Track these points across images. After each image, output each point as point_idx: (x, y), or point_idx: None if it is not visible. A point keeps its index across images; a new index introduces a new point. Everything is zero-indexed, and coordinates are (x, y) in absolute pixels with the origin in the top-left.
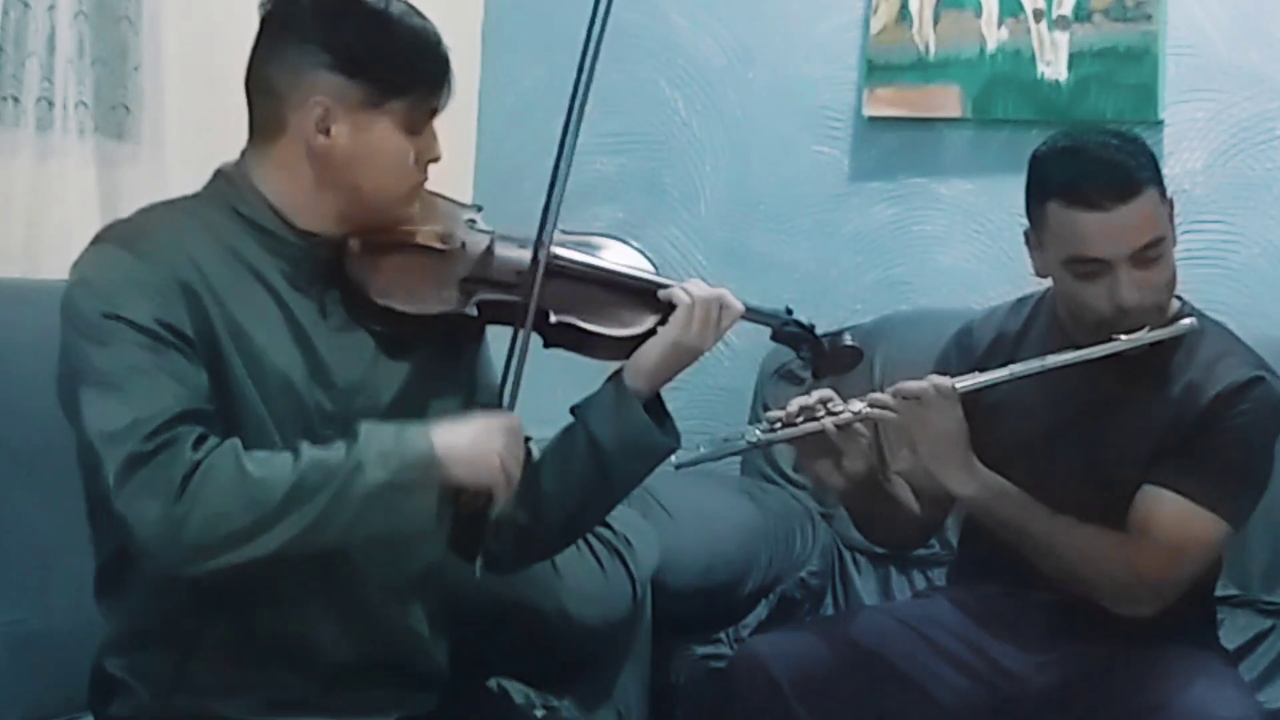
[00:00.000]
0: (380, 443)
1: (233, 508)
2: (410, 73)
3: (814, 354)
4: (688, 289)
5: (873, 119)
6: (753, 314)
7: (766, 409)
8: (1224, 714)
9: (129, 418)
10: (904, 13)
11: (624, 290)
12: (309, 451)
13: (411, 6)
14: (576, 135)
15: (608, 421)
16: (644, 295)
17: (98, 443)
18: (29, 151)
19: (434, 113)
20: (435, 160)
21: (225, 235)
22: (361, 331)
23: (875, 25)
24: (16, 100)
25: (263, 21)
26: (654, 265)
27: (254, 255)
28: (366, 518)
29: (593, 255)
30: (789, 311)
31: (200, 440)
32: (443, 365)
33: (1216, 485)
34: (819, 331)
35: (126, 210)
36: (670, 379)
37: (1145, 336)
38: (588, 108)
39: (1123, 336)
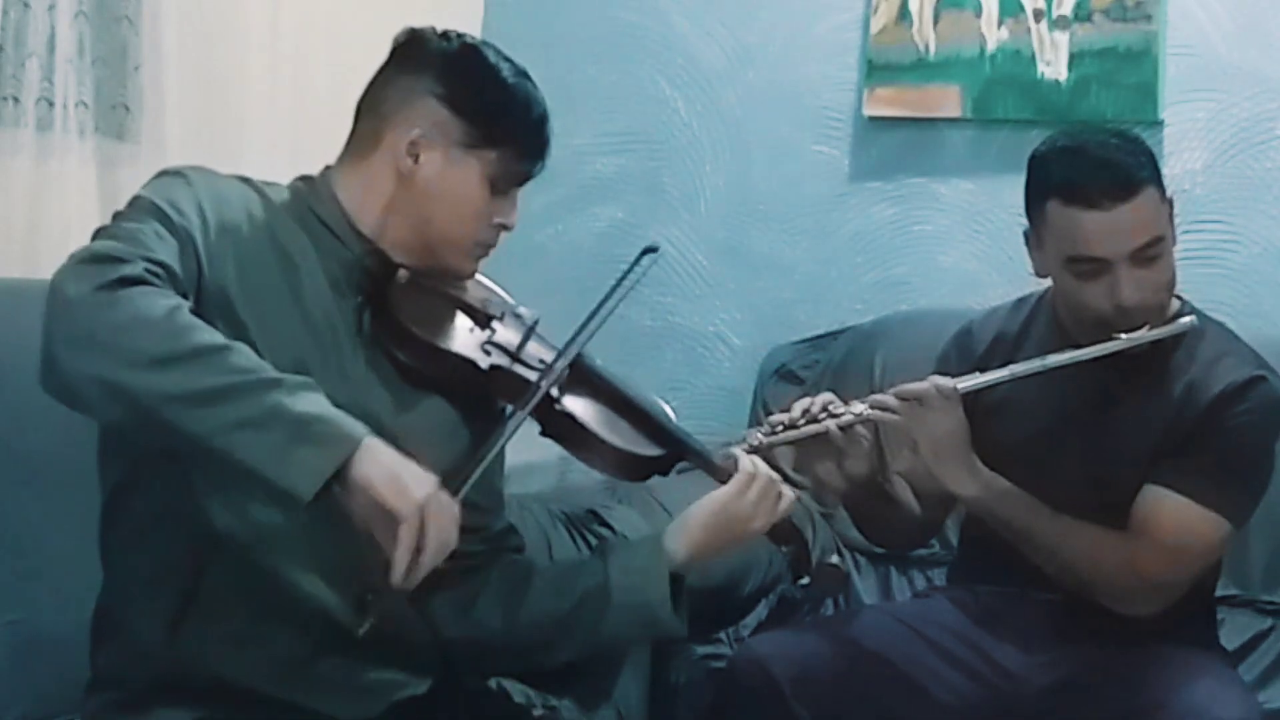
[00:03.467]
0: (316, 391)
1: (148, 324)
2: (510, 128)
3: (796, 561)
4: (755, 461)
5: (873, 119)
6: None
7: (766, 409)
8: (1224, 714)
9: (115, 240)
10: (904, 13)
11: (642, 420)
12: (249, 353)
13: (527, 74)
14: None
15: (629, 572)
16: (659, 432)
17: (71, 255)
18: (29, 151)
19: (523, 180)
20: (508, 228)
21: (286, 224)
22: (385, 359)
23: (875, 25)
24: (16, 100)
25: (391, 53)
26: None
27: (305, 249)
28: (256, 430)
29: (619, 381)
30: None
31: (158, 273)
32: (456, 416)
33: (1217, 485)
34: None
35: None
36: (713, 555)
37: (1145, 335)
38: (587, 108)
39: (1123, 335)
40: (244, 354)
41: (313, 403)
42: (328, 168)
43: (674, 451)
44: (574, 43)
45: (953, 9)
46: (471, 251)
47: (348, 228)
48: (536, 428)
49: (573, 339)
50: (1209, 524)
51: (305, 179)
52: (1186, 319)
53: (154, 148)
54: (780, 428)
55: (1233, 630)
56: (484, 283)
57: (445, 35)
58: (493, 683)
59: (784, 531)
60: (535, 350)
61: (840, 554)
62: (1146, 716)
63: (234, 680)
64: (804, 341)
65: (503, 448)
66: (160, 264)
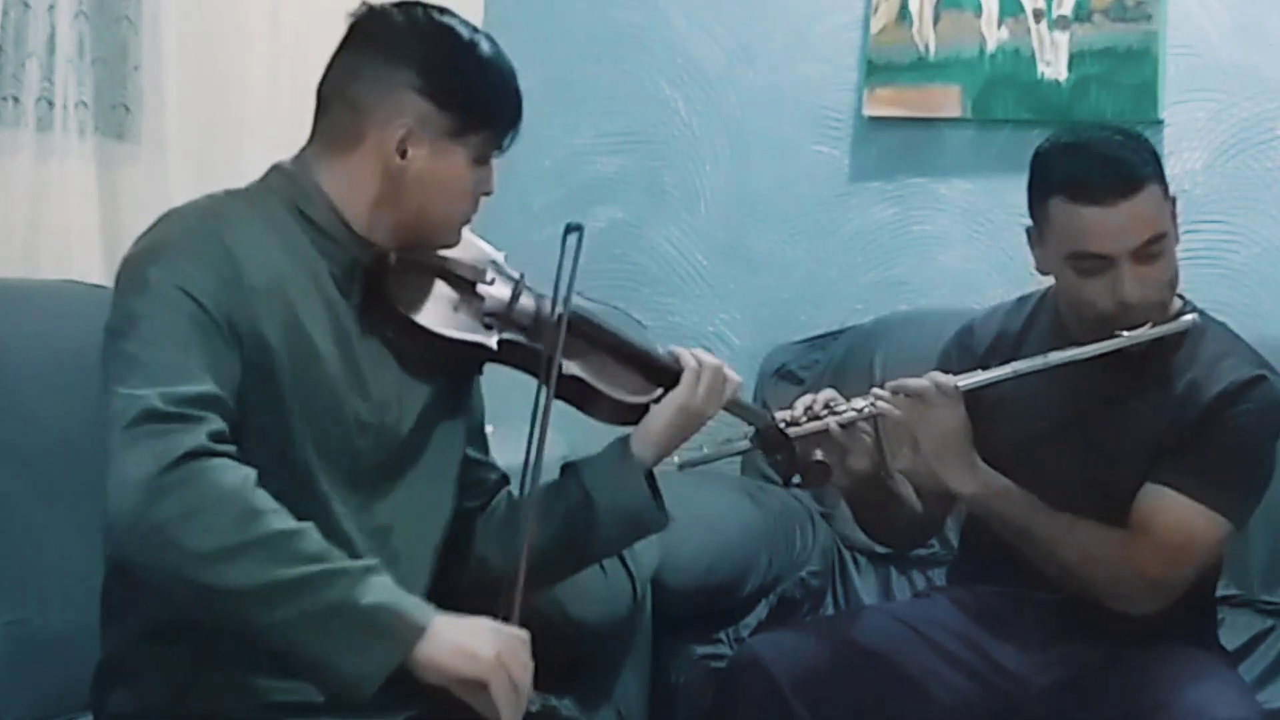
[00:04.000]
0: (383, 577)
1: (212, 515)
2: (494, 109)
3: (787, 462)
4: (696, 354)
5: (873, 119)
6: (741, 408)
7: (767, 407)
8: (1224, 714)
9: (160, 377)
10: (904, 13)
11: (633, 360)
12: (316, 531)
13: (494, 42)
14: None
15: (608, 484)
16: (651, 368)
17: (118, 396)
18: (29, 151)
19: (501, 150)
20: (488, 193)
21: (287, 233)
22: (386, 347)
23: (875, 25)
24: (16, 100)
25: (350, 31)
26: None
27: (311, 256)
28: (322, 626)
29: (609, 322)
30: (771, 415)
31: (219, 437)
32: (451, 389)
33: (1218, 484)
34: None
35: (127, 210)
36: (676, 447)
37: (1147, 333)
38: (587, 108)
39: (1125, 333)
40: (310, 538)
41: (378, 591)
42: (304, 155)
43: (663, 385)
44: (574, 43)
45: (953, 9)
46: (461, 225)
47: (342, 228)
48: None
49: (565, 295)
50: (1209, 523)
51: (283, 172)
52: (1188, 316)
53: (154, 148)
54: (782, 424)
55: (1233, 630)
56: (465, 238)
57: (408, 11)
58: None
59: (772, 441)
60: (524, 308)
61: (840, 551)
62: (1147, 716)
63: None
64: (804, 341)
65: (545, 428)
66: (212, 400)
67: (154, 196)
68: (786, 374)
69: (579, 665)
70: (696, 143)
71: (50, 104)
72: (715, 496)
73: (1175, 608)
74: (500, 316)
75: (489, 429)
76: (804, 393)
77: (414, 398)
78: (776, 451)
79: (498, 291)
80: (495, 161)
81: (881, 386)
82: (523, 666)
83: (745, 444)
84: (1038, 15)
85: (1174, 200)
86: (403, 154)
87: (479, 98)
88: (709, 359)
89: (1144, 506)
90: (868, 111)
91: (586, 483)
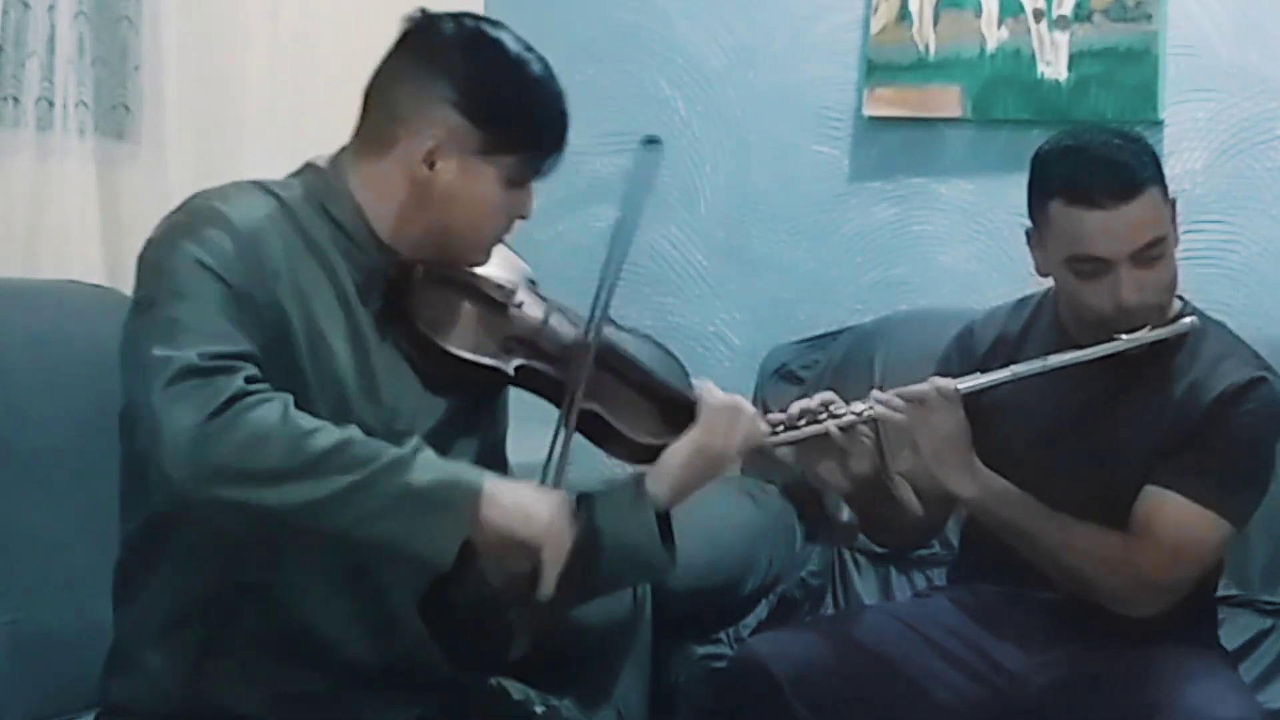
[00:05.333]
0: (431, 456)
1: (268, 442)
2: (531, 133)
3: (815, 519)
4: (714, 392)
5: (873, 119)
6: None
7: (766, 409)
8: (1224, 714)
9: (196, 333)
10: (904, 13)
11: (656, 397)
12: (360, 433)
13: (546, 65)
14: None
15: (617, 520)
16: (674, 406)
17: (154, 358)
18: (29, 151)
19: (539, 174)
20: (525, 217)
21: (311, 230)
22: (403, 359)
23: (875, 25)
24: (16, 100)
25: (402, 37)
26: (683, 367)
27: (334, 258)
28: (390, 515)
29: (635, 355)
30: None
31: (255, 380)
32: (469, 406)
33: (1219, 485)
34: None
35: (127, 210)
36: (692, 488)
37: (1147, 336)
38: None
39: (1124, 336)
40: (360, 443)
41: (430, 468)
42: (340, 155)
43: (683, 425)
44: (574, 43)
45: (953, 9)
46: (490, 246)
47: (367, 234)
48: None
49: (593, 320)
50: (1210, 524)
51: (316, 169)
52: (1188, 319)
53: (154, 148)
54: (781, 428)
55: (1233, 630)
56: (499, 252)
57: (460, 22)
58: (493, 683)
59: (801, 496)
60: (555, 331)
61: (840, 551)
62: (1147, 716)
63: (252, 716)
64: (804, 341)
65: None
66: (247, 355)
67: (154, 196)
68: (786, 374)
69: (579, 665)
70: (696, 143)
71: (50, 104)
72: (715, 496)
73: (1175, 608)
74: (524, 342)
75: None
76: (804, 393)
77: (429, 412)
78: (805, 506)
79: (527, 314)
80: (533, 186)
81: (881, 389)
82: (567, 538)
83: None
84: (1038, 15)
85: (1173, 202)
86: (430, 165)
87: (516, 119)
88: (726, 398)
89: (1145, 508)
90: (868, 111)
91: (597, 518)
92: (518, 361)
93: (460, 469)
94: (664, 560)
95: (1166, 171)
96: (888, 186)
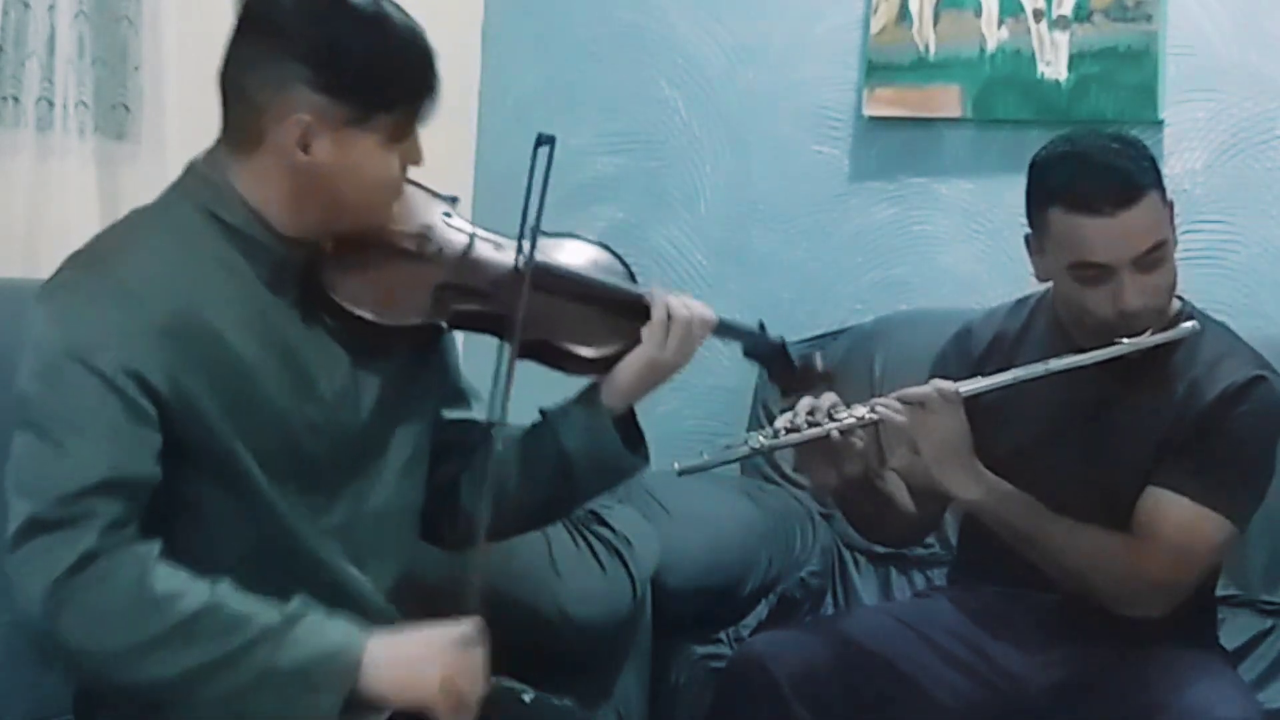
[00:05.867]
0: (305, 627)
1: (117, 618)
2: (397, 88)
3: (783, 373)
4: (666, 300)
5: (873, 119)
6: (725, 329)
7: (766, 409)
8: (1224, 714)
9: (45, 475)
10: (904, 13)
11: (602, 304)
12: (228, 594)
13: (400, 8)
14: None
15: (579, 436)
16: (621, 308)
17: (10, 488)
18: (29, 151)
19: (420, 121)
20: (417, 164)
21: (205, 243)
22: (334, 340)
23: (875, 25)
24: (16, 100)
25: (239, 21)
26: (628, 269)
27: (235, 264)
28: (255, 694)
29: (573, 264)
30: (762, 327)
31: (114, 527)
32: (414, 369)
33: (1220, 486)
34: (794, 348)
35: (126, 210)
36: (645, 394)
37: (1148, 340)
38: (587, 108)
39: (1125, 340)
40: (224, 609)
41: (302, 645)
42: (216, 153)
43: (635, 329)
44: (574, 43)
45: (953, 9)
46: (390, 203)
47: (263, 230)
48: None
49: (526, 255)
50: (1212, 525)
51: (197, 173)
52: (1189, 324)
53: (154, 148)
54: (784, 430)
55: (1233, 630)
56: (406, 197)
57: None
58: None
59: (756, 353)
60: (482, 262)
61: (840, 551)
62: (1147, 716)
63: None
64: (804, 341)
65: (509, 380)
66: (107, 487)
67: (154, 196)
68: None
69: (579, 665)
70: (696, 143)
71: (50, 104)
72: (715, 497)
73: (1175, 608)
74: (453, 286)
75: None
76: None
77: (368, 387)
78: (770, 363)
79: (448, 255)
80: (418, 131)
81: (881, 389)
82: (472, 677)
83: (745, 450)
84: (1038, 15)
85: (1172, 205)
86: (305, 149)
87: (378, 79)
88: (681, 312)
89: (1146, 510)
90: (868, 111)
91: (560, 435)
92: (450, 309)
93: (341, 643)
94: (632, 462)
95: (1166, 172)
96: (888, 186)
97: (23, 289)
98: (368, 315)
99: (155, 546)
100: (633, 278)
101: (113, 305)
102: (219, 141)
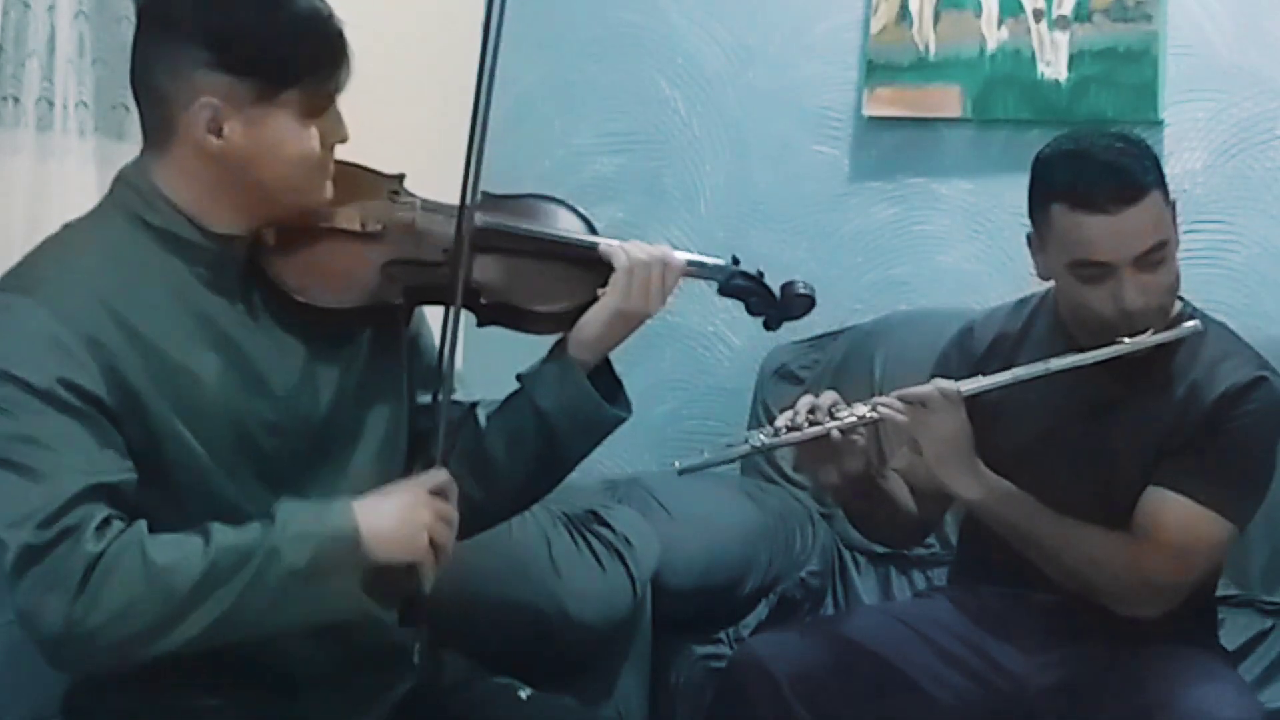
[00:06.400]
0: (299, 524)
1: (139, 602)
2: (301, 61)
3: (764, 304)
4: (626, 249)
5: (873, 119)
6: (696, 268)
7: (766, 409)
8: (1224, 714)
9: (25, 503)
10: (904, 13)
11: (559, 257)
12: (221, 534)
13: None
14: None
15: (553, 394)
16: (580, 260)
17: (22, 555)
18: (29, 151)
19: (334, 94)
20: (342, 141)
21: (137, 253)
22: (287, 331)
23: (875, 25)
24: (16, 100)
25: (139, 17)
26: (590, 224)
27: (171, 269)
28: (284, 604)
29: (524, 221)
30: (735, 261)
31: (104, 524)
32: (378, 354)
33: (1221, 486)
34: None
35: None
36: (616, 345)
37: (1149, 339)
38: (587, 108)
39: (1126, 339)
40: (225, 551)
41: (302, 539)
42: (141, 159)
43: (597, 280)
44: (574, 43)
45: (953, 9)
46: (317, 184)
47: (193, 230)
48: (473, 319)
49: (461, 217)
50: (1212, 525)
51: (125, 180)
52: (1190, 324)
53: None
54: (784, 429)
55: (1233, 630)
56: (349, 180)
57: None
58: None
59: (741, 289)
60: (431, 229)
61: (840, 551)
62: (1147, 716)
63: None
64: (804, 341)
65: (450, 347)
66: (85, 494)
67: None
68: (786, 374)
69: (579, 665)
70: (696, 143)
71: (50, 104)
72: (715, 497)
73: (1175, 608)
74: (402, 262)
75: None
76: (804, 393)
77: (328, 376)
78: (750, 296)
79: (394, 233)
80: (337, 105)
81: (881, 389)
82: (448, 526)
83: (745, 448)
84: (1038, 15)
85: (1174, 205)
86: (217, 134)
87: (278, 56)
88: (641, 253)
89: (1147, 510)
90: (868, 111)
91: (536, 398)
92: (402, 285)
93: (329, 518)
94: (612, 415)
95: (1166, 171)
96: (888, 186)
97: None
98: (317, 301)
99: (142, 524)
100: (591, 228)
101: (40, 321)
102: (143, 149)
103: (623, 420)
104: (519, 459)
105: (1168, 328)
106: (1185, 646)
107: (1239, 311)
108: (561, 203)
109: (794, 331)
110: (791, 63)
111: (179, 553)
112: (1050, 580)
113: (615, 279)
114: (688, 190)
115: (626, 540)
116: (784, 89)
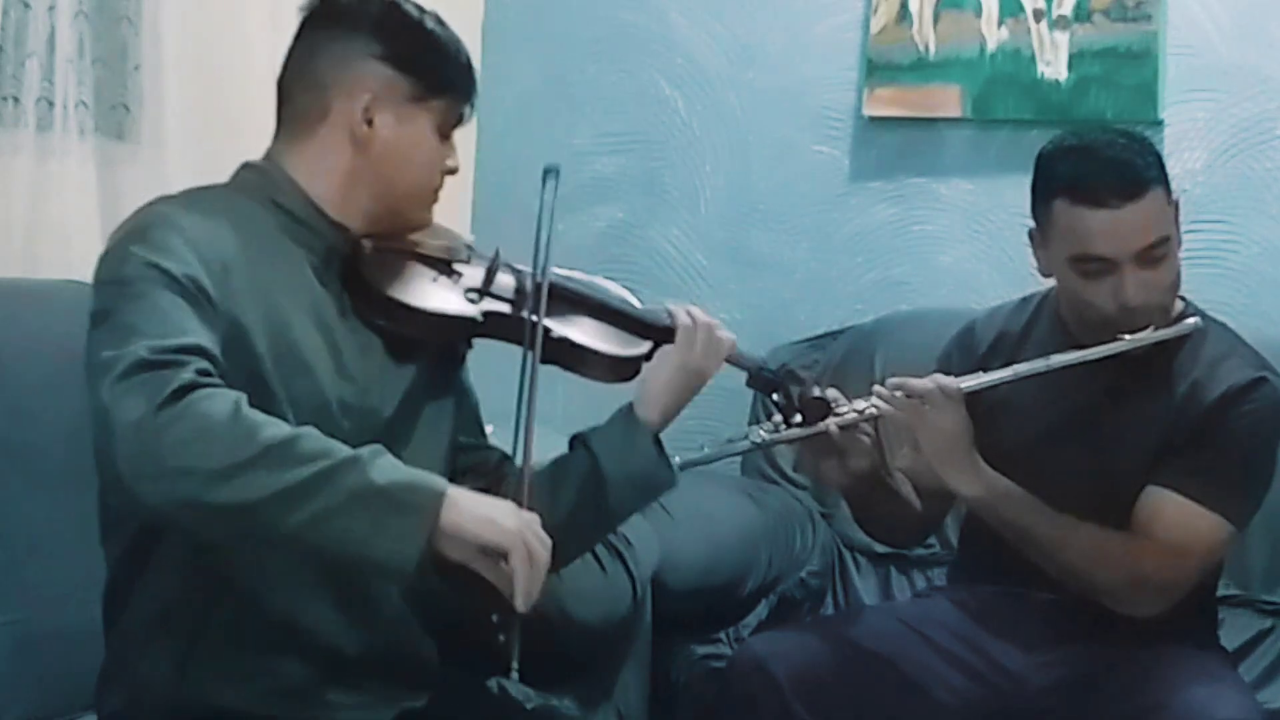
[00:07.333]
0: (390, 460)
1: (214, 436)
2: (450, 75)
3: (786, 401)
4: (687, 309)
5: (873, 119)
6: (738, 355)
7: (766, 409)
8: (1224, 714)
9: (144, 336)
10: (904, 13)
11: (619, 319)
12: (316, 431)
13: (442, 22)
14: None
15: (616, 452)
16: (638, 325)
17: (105, 356)
18: (29, 151)
19: (460, 122)
20: (453, 171)
21: (262, 226)
22: (371, 332)
23: (875, 25)
24: (16, 100)
25: (304, 22)
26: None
27: (288, 248)
28: (347, 513)
29: (590, 286)
30: (761, 361)
31: (207, 373)
32: (439, 371)
33: (1221, 486)
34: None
35: (127, 210)
36: (680, 407)
37: (1149, 336)
38: (587, 108)
39: (1127, 336)
40: (312, 438)
41: (389, 470)
42: (271, 152)
43: (654, 339)
44: (574, 43)
45: (953, 9)
46: (430, 201)
47: (317, 215)
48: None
49: (542, 265)
50: (1211, 525)
51: (253, 168)
52: (1191, 320)
53: (154, 148)
54: (783, 426)
55: (1233, 630)
56: (435, 226)
57: None
58: (492, 683)
59: (767, 383)
60: (504, 282)
61: (840, 551)
62: (1147, 716)
63: (242, 710)
64: (804, 341)
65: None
66: (197, 349)
67: (154, 196)
68: (787, 374)
69: (579, 665)
70: (696, 143)
71: (50, 104)
72: (715, 496)
73: (1175, 608)
74: (481, 291)
75: (489, 429)
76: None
77: (397, 380)
78: (773, 391)
79: (475, 268)
80: (454, 138)
81: (883, 384)
82: (541, 543)
83: (746, 444)
84: (1038, 15)
85: (1177, 204)
86: (369, 122)
87: (439, 62)
88: (702, 316)
89: (1146, 509)
90: (868, 111)
91: (595, 450)
92: (483, 307)
93: (421, 474)
94: (667, 478)
95: (1167, 172)
96: (888, 186)
97: (23, 289)
98: (406, 300)
99: (244, 394)
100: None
101: (187, 237)
102: (272, 143)
103: (672, 486)
104: (562, 516)
105: (1168, 325)
106: (1185, 646)
107: (1239, 311)
108: (622, 288)
109: (794, 331)
110: (791, 63)
111: (269, 420)
112: (1050, 579)
113: (680, 335)
114: (688, 190)
115: (626, 540)
116: (784, 89)
